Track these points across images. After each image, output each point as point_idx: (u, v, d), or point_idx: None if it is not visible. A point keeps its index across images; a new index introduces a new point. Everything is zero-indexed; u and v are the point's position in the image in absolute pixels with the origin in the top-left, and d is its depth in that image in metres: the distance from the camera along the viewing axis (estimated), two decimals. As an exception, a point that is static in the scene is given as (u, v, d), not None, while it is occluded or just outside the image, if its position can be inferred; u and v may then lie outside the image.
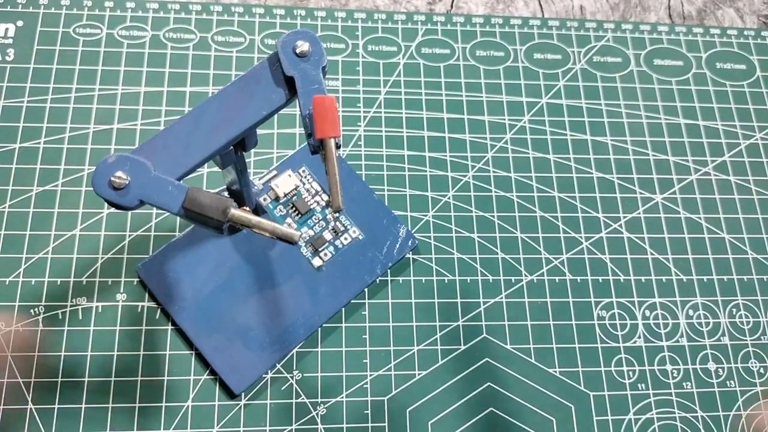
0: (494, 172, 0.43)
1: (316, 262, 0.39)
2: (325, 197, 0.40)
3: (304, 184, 0.41)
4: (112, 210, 0.39)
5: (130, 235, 0.39)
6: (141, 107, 0.42)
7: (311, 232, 0.39)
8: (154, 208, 0.39)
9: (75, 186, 0.40)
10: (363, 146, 0.43)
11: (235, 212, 0.25)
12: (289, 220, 0.40)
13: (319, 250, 0.39)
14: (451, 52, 0.46)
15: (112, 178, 0.25)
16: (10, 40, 0.43)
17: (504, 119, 0.45)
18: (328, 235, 0.39)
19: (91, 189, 0.37)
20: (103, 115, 0.42)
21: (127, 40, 0.44)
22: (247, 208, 0.26)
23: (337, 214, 0.40)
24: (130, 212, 0.39)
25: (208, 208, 0.25)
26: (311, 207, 0.40)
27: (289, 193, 0.40)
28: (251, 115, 0.28)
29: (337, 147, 0.27)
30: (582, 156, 0.44)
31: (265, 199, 0.40)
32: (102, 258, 0.38)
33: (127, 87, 0.43)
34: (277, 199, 0.40)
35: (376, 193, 0.41)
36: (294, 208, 0.40)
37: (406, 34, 0.47)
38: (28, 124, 0.41)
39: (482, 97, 0.45)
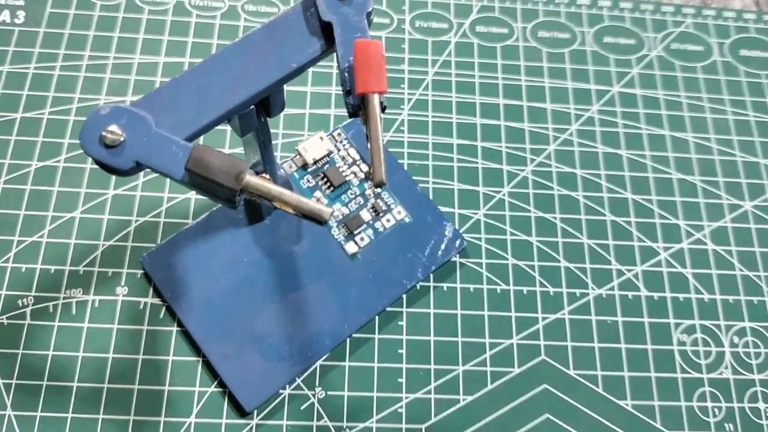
0: (557, 167, 0.40)
1: (351, 248, 0.35)
2: (365, 168, 0.36)
3: (339, 150, 0.37)
4: (118, 191, 0.37)
5: (136, 221, 0.37)
6: (159, 78, 0.41)
7: (345, 210, 0.36)
8: (166, 192, 0.37)
9: (79, 163, 0.38)
10: (406, 132, 0.41)
11: (251, 179, 0.21)
12: (318, 193, 0.36)
13: (355, 232, 0.35)
14: (509, 31, 0.44)
15: (104, 133, 0.22)
16: (22, 2, 0.42)
17: (569, 108, 0.42)
18: (366, 215, 0.36)
19: (97, 168, 0.33)
20: (117, 85, 0.40)
21: (149, 6, 0.43)
22: (267, 176, 0.21)
23: (378, 190, 0.36)
24: (138, 195, 0.37)
25: (217, 171, 0.21)
26: (347, 179, 0.36)
27: (320, 160, 0.36)
28: (278, 68, 0.24)
29: (383, 108, 0.23)
30: (659, 153, 0.42)
31: (290, 167, 0.35)
32: (103, 245, 0.36)
33: (145, 57, 0.41)
34: (304, 166, 0.36)
35: (420, 185, 0.38)
36: (325, 180, 0.36)
37: (459, 10, 0.45)
38: (32, 92, 0.39)
39: (544, 82, 0.43)
